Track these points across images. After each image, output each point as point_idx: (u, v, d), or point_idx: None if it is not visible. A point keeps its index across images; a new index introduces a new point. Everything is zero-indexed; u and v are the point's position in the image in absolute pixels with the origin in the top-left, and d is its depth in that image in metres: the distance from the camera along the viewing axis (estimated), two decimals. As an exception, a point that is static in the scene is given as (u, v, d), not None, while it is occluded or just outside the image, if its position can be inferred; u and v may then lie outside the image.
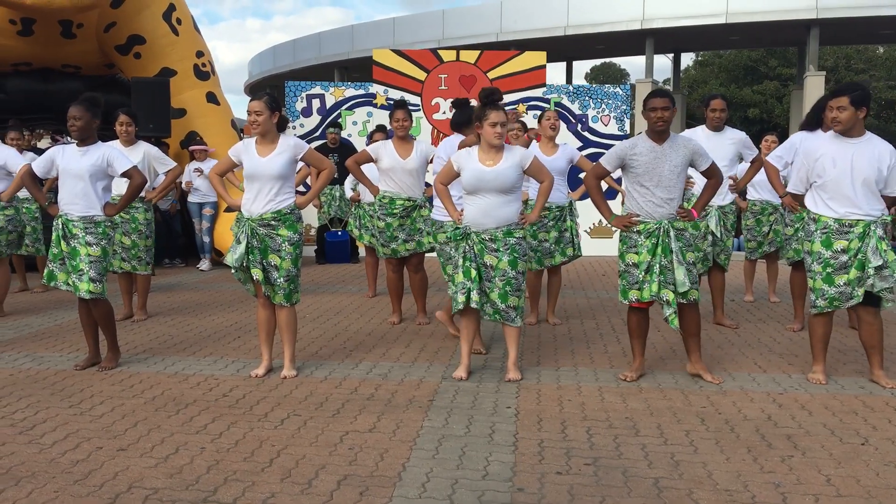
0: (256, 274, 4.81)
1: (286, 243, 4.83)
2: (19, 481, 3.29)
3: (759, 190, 7.70)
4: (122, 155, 5.20)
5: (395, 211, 6.38)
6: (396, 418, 4.13)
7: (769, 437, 3.86)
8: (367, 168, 6.70)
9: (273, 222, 4.81)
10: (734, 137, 6.22)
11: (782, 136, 7.84)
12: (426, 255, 6.74)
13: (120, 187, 6.45)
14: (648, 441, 3.80)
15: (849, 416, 4.17)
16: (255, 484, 3.28)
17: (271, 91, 5.44)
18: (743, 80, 40.84)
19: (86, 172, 5.03)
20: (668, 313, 4.68)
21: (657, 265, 4.65)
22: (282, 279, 4.84)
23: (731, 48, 37.96)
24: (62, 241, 5.06)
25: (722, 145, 6.12)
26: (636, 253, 4.72)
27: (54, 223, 5.11)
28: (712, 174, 4.83)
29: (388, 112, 6.50)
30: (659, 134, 4.68)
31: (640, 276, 4.70)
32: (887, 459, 3.56)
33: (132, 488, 3.23)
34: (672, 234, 4.67)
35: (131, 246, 6.73)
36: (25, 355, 5.53)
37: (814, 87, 24.55)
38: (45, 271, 5.15)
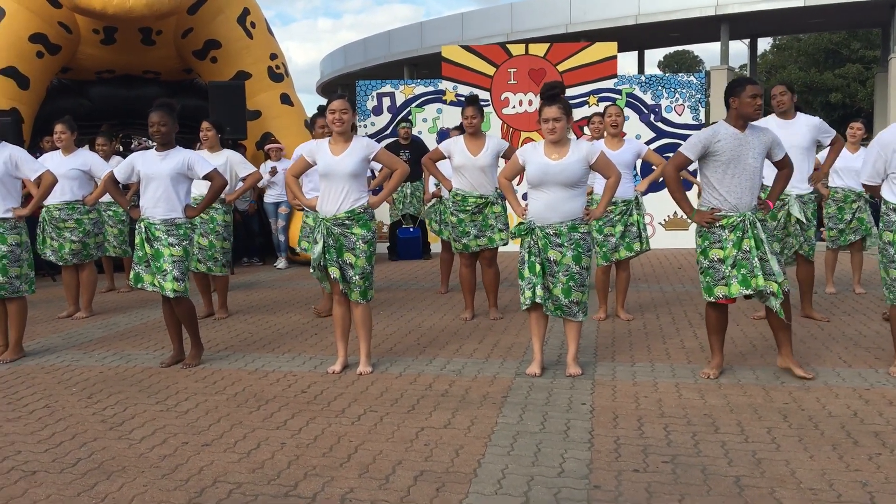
0: (334, 272, 4.90)
1: (360, 241, 4.91)
2: (110, 475, 3.44)
3: (843, 176, 7.44)
4: (202, 158, 5.37)
5: (467, 208, 6.42)
6: (471, 414, 4.15)
7: (855, 434, 3.74)
8: (442, 164, 6.76)
9: (347, 221, 4.90)
10: (809, 123, 6.01)
11: (867, 122, 7.55)
12: (500, 250, 6.76)
13: (200, 188, 6.67)
14: (728, 438, 3.73)
15: (942, 414, 4.00)
16: (334, 479, 3.35)
17: (342, 90, 5.54)
18: (823, 63, 39.44)
19: (167, 176, 5.20)
20: (776, 305, 4.54)
21: (753, 258, 4.52)
22: (357, 276, 4.92)
23: (810, 31, 36.63)
24: (146, 244, 5.25)
25: (796, 133, 5.94)
26: (721, 248, 4.60)
27: (137, 226, 5.30)
28: (785, 164, 4.74)
29: (460, 109, 6.51)
30: (745, 121, 4.59)
31: (727, 271, 4.58)
32: (984, 459, 3.41)
33: (217, 483, 3.34)
34: (759, 224, 4.56)
35: (208, 247, 6.93)
36: (114, 353, 5.76)
37: (900, 68, 23.53)
38: (132, 273, 5.34)
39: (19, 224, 5.55)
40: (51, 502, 3.17)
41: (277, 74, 11.37)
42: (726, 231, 4.59)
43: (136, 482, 3.36)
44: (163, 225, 5.22)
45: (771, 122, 6.02)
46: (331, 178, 4.89)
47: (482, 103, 6.69)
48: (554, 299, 4.81)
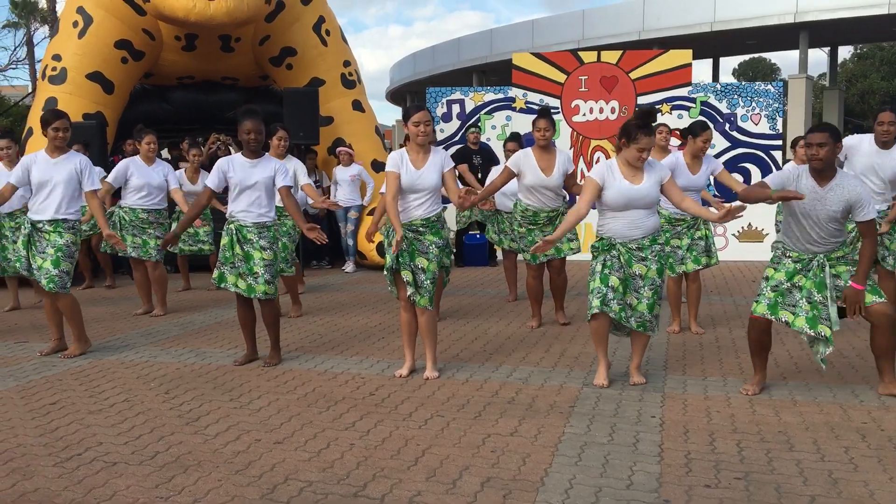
0: (406, 276, 4.96)
1: (433, 246, 4.96)
2: (187, 469, 3.55)
3: None
4: (301, 167, 5.56)
5: (538, 221, 6.45)
6: (538, 423, 4.14)
7: (940, 458, 3.60)
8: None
9: (422, 228, 4.96)
10: None
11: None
12: (568, 259, 6.74)
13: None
14: (803, 457, 3.63)
15: None
16: (402, 481, 3.38)
17: (411, 97, 5.64)
18: (908, 72, 38.05)
19: (262, 184, 5.34)
20: (823, 353, 4.44)
21: (800, 297, 4.45)
22: (428, 281, 4.96)
23: (894, 40, 35.38)
24: (235, 246, 5.38)
25: (892, 161, 5.72)
26: (775, 269, 4.56)
27: (226, 228, 5.43)
28: (867, 233, 4.39)
29: (532, 119, 6.48)
30: (819, 173, 4.40)
31: (766, 290, 4.54)
32: None
33: (288, 480, 3.41)
34: (828, 269, 4.44)
35: (282, 248, 7.10)
36: (190, 351, 5.93)
37: None
38: (216, 273, 5.48)
39: (77, 225, 5.78)
40: (130, 493, 3.29)
41: (350, 81, 11.55)
42: (790, 259, 4.52)
43: (212, 476, 3.45)
44: (255, 228, 5.35)
45: (865, 145, 5.83)
46: (414, 190, 4.96)
47: (552, 111, 6.67)
48: (637, 316, 4.76)
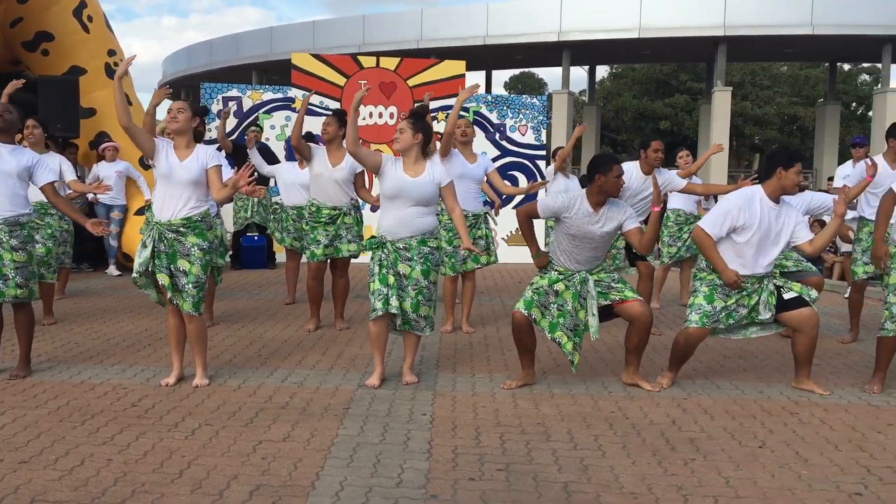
0: (163, 279, 4.71)
1: (195, 248, 4.74)
2: (-89, 497, 3.15)
3: (679, 200, 8.01)
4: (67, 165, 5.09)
5: (321, 219, 6.42)
6: (311, 427, 4.12)
7: (673, 440, 4.02)
8: (293, 172, 6.74)
9: (182, 228, 4.73)
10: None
11: (692, 150, 8.16)
12: (352, 262, 6.78)
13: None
14: (559, 446, 3.90)
15: (748, 420, 4.37)
16: (164, 496, 3.22)
17: (186, 92, 5.40)
18: (655, 93, 42.07)
19: (14, 174, 4.90)
20: (572, 359, 4.85)
21: (560, 304, 4.84)
22: (190, 285, 4.75)
23: (643, 62, 39.05)
24: None
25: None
26: (540, 277, 4.94)
27: None
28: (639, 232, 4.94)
29: (316, 118, 6.51)
30: (598, 200, 4.83)
31: (528, 291, 4.89)
32: (782, 461, 3.75)
33: (34, 502, 3.13)
34: (591, 282, 4.83)
35: (45, 253, 6.56)
36: (-81, 364, 5.27)
37: (721, 101, 25.50)
38: None
39: None
40: None
41: (115, 72, 10.81)
42: (556, 272, 4.90)
43: (-59, 505, 3.09)
44: (5, 226, 4.85)
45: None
46: (171, 182, 4.72)
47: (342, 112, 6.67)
48: (403, 314, 4.86)
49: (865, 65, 41.28)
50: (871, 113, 31.78)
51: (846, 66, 41.03)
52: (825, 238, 4.79)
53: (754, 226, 4.70)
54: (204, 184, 4.80)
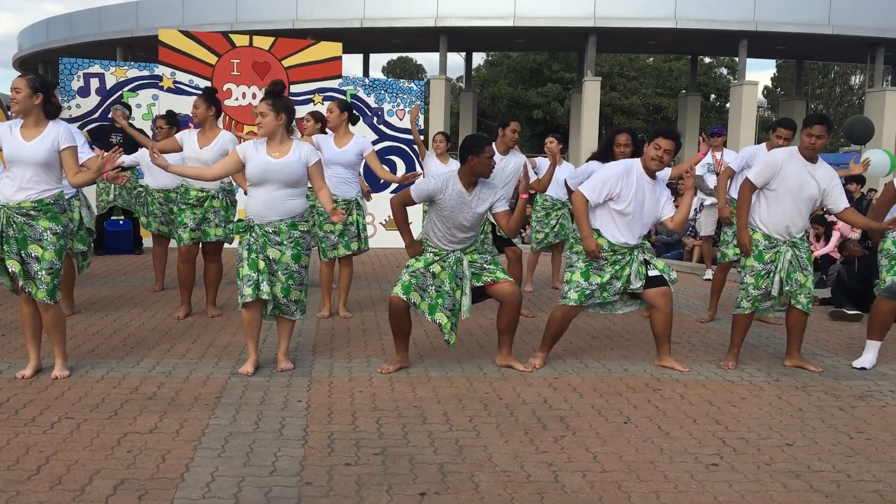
0: (13, 266, 4.42)
1: (48, 233, 4.47)
2: None
3: (551, 187, 8.20)
4: None
5: (189, 201, 6.25)
6: (180, 417, 3.98)
7: (544, 419, 4.14)
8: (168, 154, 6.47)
9: (33, 212, 4.45)
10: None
11: (564, 137, 8.36)
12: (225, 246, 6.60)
13: None
14: (435, 428, 3.94)
15: (614, 397, 4.56)
16: (21, 493, 3.04)
17: (44, 67, 5.04)
18: (529, 81, 42.99)
19: None
20: (449, 338, 4.87)
21: (438, 286, 4.85)
22: (43, 272, 4.48)
23: (518, 50, 39.83)
24: None
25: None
26: (416, 259, 4.94)
27: None
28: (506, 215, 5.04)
29: (182, 97, 6.25)
30: (471, 180, 4.91)
31: (404, 274, 4.89)
32: (645, 436, 3.93)
33: None
34: (465, 262, 4.90)
35: None
36: None
37: (591, 91, 26.38)
38: None
39: None
40: None
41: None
42: (431, 253, 4.94)
43: None
44: None
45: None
46: (18, 164, 4.42)
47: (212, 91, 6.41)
48: (273, 298, 4.77)
49: (724, 58, 43.73)
50: (728, 105, 33.73)
51: (707, 60, 43.30)
52: (683, 213, 5.07)
53: (630, 195, 4.91)
54: (56, 165, 4.50)
